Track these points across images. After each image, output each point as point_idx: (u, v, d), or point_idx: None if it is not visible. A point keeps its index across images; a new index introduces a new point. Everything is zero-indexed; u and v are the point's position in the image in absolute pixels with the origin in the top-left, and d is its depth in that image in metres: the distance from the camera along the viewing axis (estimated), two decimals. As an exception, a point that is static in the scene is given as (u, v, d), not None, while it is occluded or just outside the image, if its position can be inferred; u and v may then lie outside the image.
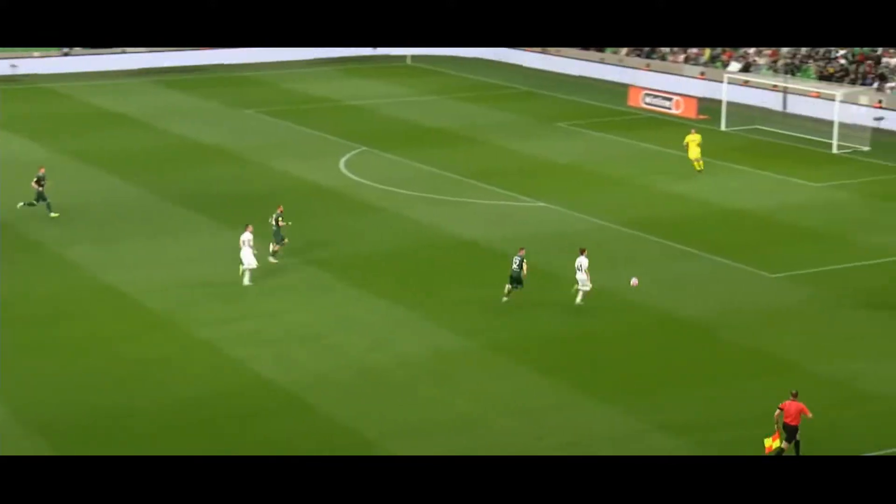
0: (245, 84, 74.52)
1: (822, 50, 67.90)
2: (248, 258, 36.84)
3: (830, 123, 57.09)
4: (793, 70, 67.41)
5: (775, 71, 68.06)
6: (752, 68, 69.79)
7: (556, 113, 65.82)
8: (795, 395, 26.25)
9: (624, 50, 77.75)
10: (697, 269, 39.67)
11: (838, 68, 65.81)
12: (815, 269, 39.16)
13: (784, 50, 69.72)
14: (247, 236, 36.92)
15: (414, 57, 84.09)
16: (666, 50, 75.67)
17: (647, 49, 76.66)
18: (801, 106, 63.51)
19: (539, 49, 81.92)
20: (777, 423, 26.05)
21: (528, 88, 73.62)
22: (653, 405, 29.31)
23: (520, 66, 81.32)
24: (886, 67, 64.61)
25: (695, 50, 74.13)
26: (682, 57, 74.34)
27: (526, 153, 56.19)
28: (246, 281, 36.96)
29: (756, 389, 30.26)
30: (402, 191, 48.87)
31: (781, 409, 26.02)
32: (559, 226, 44.45)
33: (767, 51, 70.50)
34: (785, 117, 62.36)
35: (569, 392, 30.13)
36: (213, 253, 40.18)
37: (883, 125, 59.70)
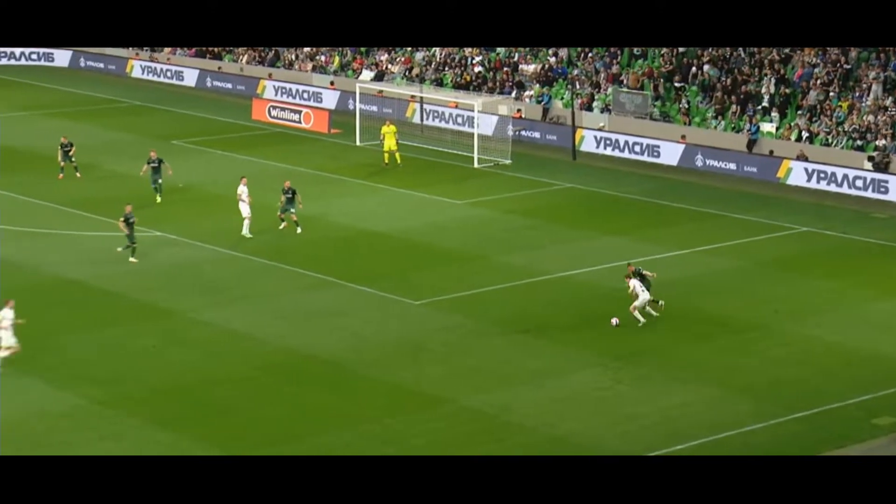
0: None
1: (457, 57, 70.68)
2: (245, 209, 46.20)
3: (470, 135, 59.54)
4: (429, 79, 69.79)
5: (410, 80, 70.30)
6: (385, 77, 71.78)
7: (172, 130, 65.44)
8: None
9: (244, 58, 78.25)
10: (334, 299, 40.41)
11: (475, 76, 68.68)
12: (460, 294, 40.71)
13: (419, 56, 72.11)
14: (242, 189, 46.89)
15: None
16: (292, 57, 76.73)
17: (270, 56, 77.48)
18: (439, 117, 65.87)
19: (147, 58, 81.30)
20: None
21: (139, 103, 72.83)
22: (284, 453, 29.62)
23: (125, 78, 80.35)
24: (523, 75, 67.96)
25: (323, 58, 75.55)
26: (309, 66, 75.56)
27: (139, 176, 55.52)
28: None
29: (399, 428, 31.15)
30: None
31: None
32: (178, 257, 44.29)
33: (402, 58, 72.73)
34: (424, 130, 64.50)
35: (191, 447, 29.93)
36: None
37: (524, 136, 62.74)
